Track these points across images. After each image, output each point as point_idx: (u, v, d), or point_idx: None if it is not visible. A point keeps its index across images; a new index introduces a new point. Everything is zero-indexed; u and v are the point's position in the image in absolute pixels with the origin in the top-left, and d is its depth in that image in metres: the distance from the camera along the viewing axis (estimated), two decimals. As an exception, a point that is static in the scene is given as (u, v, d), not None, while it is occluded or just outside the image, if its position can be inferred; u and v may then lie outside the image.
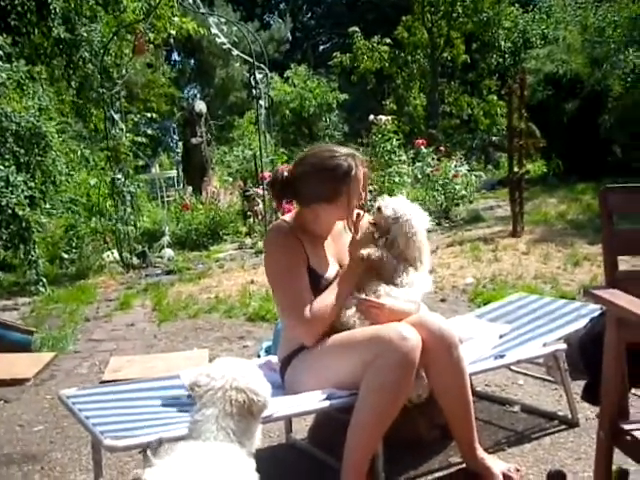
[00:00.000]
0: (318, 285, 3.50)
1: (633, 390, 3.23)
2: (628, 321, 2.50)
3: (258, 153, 12.25)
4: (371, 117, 13.83)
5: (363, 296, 3.44)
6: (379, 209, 3.58)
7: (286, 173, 3.61)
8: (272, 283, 3.66)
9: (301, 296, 3.45)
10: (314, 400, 3.33)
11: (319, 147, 3.73)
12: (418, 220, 3.57)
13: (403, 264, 3.53)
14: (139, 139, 12.90)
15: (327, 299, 3.46)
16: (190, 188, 15.74)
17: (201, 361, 5.62)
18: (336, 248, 3.65)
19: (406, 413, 3.32)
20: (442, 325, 3.38)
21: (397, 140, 13.70)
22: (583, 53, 16.16)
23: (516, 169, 10.55)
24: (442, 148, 15.38)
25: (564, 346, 3.97)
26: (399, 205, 3.58)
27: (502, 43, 25.12)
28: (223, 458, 2.33)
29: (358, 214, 3.61)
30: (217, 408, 2.43)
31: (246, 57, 10.97)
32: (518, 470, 3.49)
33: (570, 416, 4.10)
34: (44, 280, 9.53)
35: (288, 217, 3.72)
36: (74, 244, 11.07)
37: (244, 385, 2.49)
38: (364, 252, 3.48)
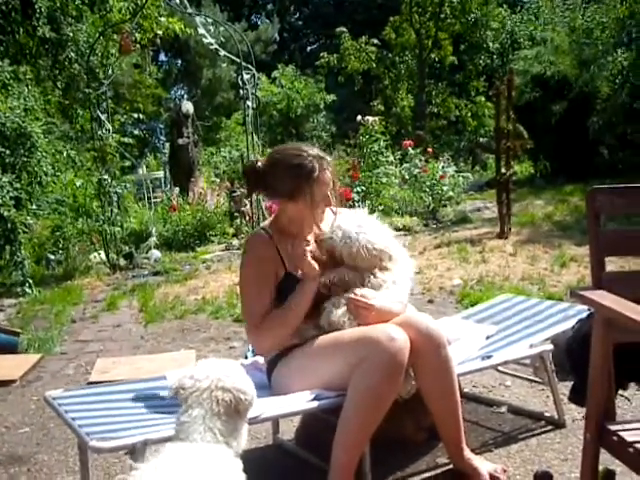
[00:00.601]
0: (295, 287, 3.53)
1: (620, 391, 3.23)
2: (615, 322, 2.50)
3: (245, 154, 12.23)
4: (359, 118, 13.87)
5: (352, 296, 3.44)
6: (328, 239, 3.58)
7: (260, 164, 3.68)
8: (240, 291, 3.73)
9: (259, 307, 3.51)
10: (301, 401, 3.32)
11: (292, 145, 3.85)
12: (372, 232, 3.57)
13: (372, 272, 3.54)
14: (126, 140, 12.90)
15: (276, 316, 3.50)
16: (177, 189, 15.70)
17: (188, 362, 5.60)
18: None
19: (393, 414, 3.32)
20: (430, 325, 3.38)
21: (384, 141, 13.75)
22: (571, 54, 16.19)
23: (503, 170, 10.56)
24: (430, 149, 15.39)
25: (551, 347, 3.98)
26: (347, 225, 3.58)
27: (490, 44, 25.17)
28: (210, 459, 2.32)
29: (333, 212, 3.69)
30: (204, 409, 2.43)
31: (233, 57, 10.95)
32: (505, 471, 3.50)
33: (557, 417, 4.11)
34: (30, 281, 9.50)
35: (267, 222, 3.80)
36: (61, 245, 11.05)
37: (230, 385, 2.48)
38: (323, 279, 3.52)
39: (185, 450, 2.33)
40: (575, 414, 4.14)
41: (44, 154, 12.12)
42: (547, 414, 4.24)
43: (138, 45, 12.44)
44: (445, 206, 13.52)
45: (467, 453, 3.48)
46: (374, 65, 26.13)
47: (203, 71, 36.92)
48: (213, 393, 2.45)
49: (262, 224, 3.84)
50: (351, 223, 3.57)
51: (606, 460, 2.72)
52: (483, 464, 3.49)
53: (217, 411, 2.43)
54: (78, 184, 12.73)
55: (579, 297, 2.76)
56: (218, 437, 2.41)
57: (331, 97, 24.41)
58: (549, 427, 4.10)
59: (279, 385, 3.52)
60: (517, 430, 4.11)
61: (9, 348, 6.51)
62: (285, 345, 3.54)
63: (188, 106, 17.61)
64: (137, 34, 11.63)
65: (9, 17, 14.10)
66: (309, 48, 44.60)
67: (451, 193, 13.77)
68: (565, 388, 4.34)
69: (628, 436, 2.52)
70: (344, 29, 25.90)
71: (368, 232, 3.54)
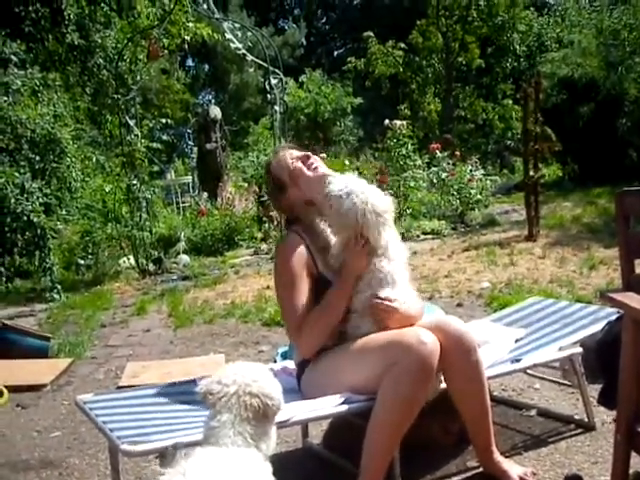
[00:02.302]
0: (328, 289, 3.52)
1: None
2: (645, 324, 2.49)
3: (273, 158, 12.24)
4: (386, 122, 13.86)
5: (376, 301, 3.43)
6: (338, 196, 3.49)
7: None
8: (277, 296, 3.72)
9: (298, 309, 3.48)
10: (331, 405, 3.32)
11: None
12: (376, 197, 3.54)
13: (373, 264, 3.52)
14: (154, 145, 12.95)
15: (316, 314, 3.47)
16: (205, 194, 15.75)
17: (217, 366, 5.60)
18: None
19: (422, 418, 3.32)
20: (461, 329, 3.37)
21: (412, 145, 13.73)
22: (598, 56, 16.10)
23: (531, 173, 10.53)
24: (457, 153, 15.35)
25: (580, 350, 3.96)
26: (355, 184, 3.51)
27: (517, 47, 25.08)
28: (240, 463, 2.32)
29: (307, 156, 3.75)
30: (232, 414, 2.43)
31: (261, 62, 10.97)
32: (535, 474, 3.49)
33: (587, 420, 4.08)
34: (59, 287, 9.57)
35: (289, 232, 3.79)
36: (90, 250, 11.13)
37: (257, 390, 2.48)
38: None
39: (214, 454, 2.34)
40: (605, 417, 4.11)
41: (73, 160, 12.23)
42: (577, 417, 4.21)
43: (166, 51, 12.52)
44: (473, 209, 13.48)
45: (497, 456, 3.48)
46: (401, 69, 26.10)
47: (230, 76, 37.11)
48: (241, 398, 2.45)
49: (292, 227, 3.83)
50: (357, 184, 3.52)
51: (637, 463, 2.71)
52: (513, 467, 3.48)
53: (246, 416, 2.43)
54: (107, 189, 12.81)
55: (609, 299, 2.75)
56: (248, 441, 2.41)
57: (358, 101, 24.40)
58: (579, 430, 4.07)
59: (309, 389, 3.52)
60: (547, 433, 4.09)
61: (40, 353, 6.56)
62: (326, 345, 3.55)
63: (216, 111, 17.66)
64: (165, 40, 11.70)
65: (39, 25, 14.22)
66: (336, 52, 44.68)
67: (479, 196, 13.73)
68: (595, 391, 4.31)
69: (659, 439, 2.52)
70: (371, 33, 25.88)
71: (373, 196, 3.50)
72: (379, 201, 3.48)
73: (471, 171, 14.25)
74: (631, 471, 2.72)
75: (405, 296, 3.46)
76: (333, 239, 3.60)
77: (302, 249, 3.56)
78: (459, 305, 7.37)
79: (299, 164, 3.67)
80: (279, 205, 3.83)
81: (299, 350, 3.60)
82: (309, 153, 3.74)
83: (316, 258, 3.57)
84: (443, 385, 3.43)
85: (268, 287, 8.90)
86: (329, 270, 3.55)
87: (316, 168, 3.67)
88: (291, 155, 3.71)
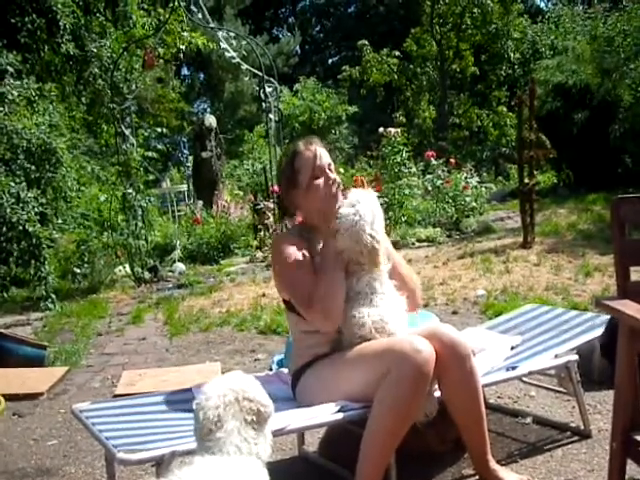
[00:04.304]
0: None
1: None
2: (640, 332, 2.50)
3: (268, 166, 12.27)
4: (381, 129, 13.88)
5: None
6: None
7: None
8: (282, 285, 3.67)
9: (305, 288, 3.46)
10: (327, 413, 3.32)
11: None
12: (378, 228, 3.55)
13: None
14: (150, 154, 12.96)
15: (322, 286, 3.45)
16: (201, 202, 15.76)
17: (213, 374, 5.61)
18: None
19: (418, 426, 3.33)
20: (455, 336, 3.38)
21: (407, 152, 13.75)
22: (593, 63, 16.12)
23: (526, 180, 10.55)
24: (452, 160, 15.38)
25: (576, 357, 3.97)
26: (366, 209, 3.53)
27: (511, 54, 25.14)
28: (240, 470, 2.33)
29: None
30: (237, 420, 2.43)
31: (255, 71, 11.00)
32: (531, 482, 3.50)
33: (582, 427, 4.09)
34: (53, 297, 9.56)
35: (290, 227, 3.82)
36: (86, 259, 11.11)
37: (252, 395, 2.49)
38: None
39: (213, 463, 2.34)
40: (601, 424, 4.13)
41: (69, 169, 12.22)
42: (573, 424, 4.22)
43: (161, 60, 12.53)
44: (468, 217, 13.49)
45: (492, 464, 3.48)
46: (396, 77, 26.16)
47: (225, 85, 37.14)
48: (241, 404, 2.46)
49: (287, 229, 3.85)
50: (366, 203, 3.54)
51: (632, 471, 2.72)
52: (509, 475, 3.49)
53: (250, 420, 2.44)
54: (102, 198, 12.82)
55: (604, 307, 2.76)
56: (251, 447, 2.41)
57: (353, 109, 24.45)
58: (575, 438, 4.08)
59: (304, 397, 3.53)
60: (542, 441, 4.09)
61: (36, 361, 6.56)
62: (308, 356, 3.56)
63: (211, 119, 17.70)
64: (160, 49, 11.69)
65: (35, 35, 14.24)
66: (330, 60, 44.74)
67: (474, 204, 13.76)
68: (591, 398, 4.35)
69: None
70: (365, 42, 25.96)
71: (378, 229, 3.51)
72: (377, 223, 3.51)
73: (466, 178, 14.28)
74: (627, 478, 2.72)
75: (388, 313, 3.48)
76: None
77: (299, 240, 3.59)
78: (454, 313, 7.38)
79: (322, 180, 3.60)
80: (284, 195, 3.76)
81: (320, 326, 3.51)
82: (335, 177, 3.66)
83: (314, 252, 3.58)
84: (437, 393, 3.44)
85: (264, 295, 8.91)
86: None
87: (336, 193, 3.63)
88: (321, 159, 3.63)
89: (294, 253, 3.54)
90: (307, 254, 3.55)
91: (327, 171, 3.62)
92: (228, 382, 2.54)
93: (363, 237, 3.42)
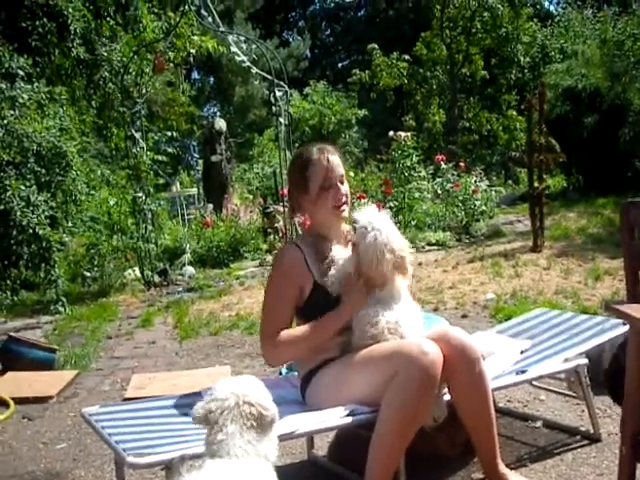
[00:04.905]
0: (326, 298, 3.53)
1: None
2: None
3: (278, 170, 12.27)
4: (390, 133, 13.88)
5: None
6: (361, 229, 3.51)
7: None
8: (263, 300, 3.71)
9: (276, 321, 3.53)
10: (336, 416, 3.33)
11: None
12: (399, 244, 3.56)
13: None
14: (160, 157, 12.98)
15: (301, 331, 3.53)
16: (210, 206, 15.78)
17: (223, 378, 5.61)
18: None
19: (427, 429, 3.33)
20: (464, 340, 3.38)
21: (417, 156, 13.76)
22: (602, 67, 16.08)
23: (536, 184, 10.53)
24: (462, 164, 15.35)
25: (586, 361, 3.96)
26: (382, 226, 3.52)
27: (521, 58, 25.05)
28: (251, 473, 2.34)
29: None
30: (238, 424, 2.44)
31: (265, 75, 10.99)
32: (540, 486, 3.49)
33: (592, 431, 4.08)
34: (64, 300, 9.57)
35: (300, 236, 3.81)
36: (96, 262, 11.14)
37: (254, 400, 2.50)
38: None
39: (223, 466, 2.35)
40: (611, 428, 4.12)
41: (79, 173, 12.23)
42: (582, 428, 4.21)
43: (172, 64, 12.53)
44: (478, 220, 13.47)
45: (502, 468, 3.47)
46: (405, 81, 26.12)
47: (235, 88, 37.18)
48: (241, 408, 2.47)
49: (295, 238, 3.86)
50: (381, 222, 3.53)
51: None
52: (518, 479, 3.48)
53: (250, 424, 2.44)
54: (112, 202, 12.83)
55: (614, 310, 2.76)
56: (258, 449, 2.42)
57: (363, 112, 24.44)
58: (584, 442, 4.07)
59: (313, 400, 3.53)
60: (552, 445, 4.09)
61: (46, 365, 6.58)
62: (317, 360, 3.56)
63: (221, 123, 17.71)
64: (170, 53, 11.69)
65: (45, 39, 14.27)
66: (340, 64, 44.74)
67: (484, 207, 13.74)
68: (600, 402, 4.33)
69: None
70: (375, 46, 25.92)
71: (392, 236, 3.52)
72: (398, 241, 3.51)
73: (476, 182, 14.27)
74: (636, 482, 2.72)
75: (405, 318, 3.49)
76: (336, 253, 3.60)
77: (298, 262, 3.59)
78: (464, 316, 7.38)
79: (331, 192, 3.60)
80: (294, 197, 3.75)
81: (266, 358, 3.65)
82: (346, 191, 3.66)
83: (313, 268, 3.57)
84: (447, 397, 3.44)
85: (273, 299, 8.90)
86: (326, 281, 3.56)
87: (343, 206, 3.64)
88: (333, 171, 3.61)
89: (286, 280, 3.59)
90: (297, 284, 3.56)
91: (337, 184, 3.61)
92: (231, 386, 2.55)
93: (384, 251, 3.42)
